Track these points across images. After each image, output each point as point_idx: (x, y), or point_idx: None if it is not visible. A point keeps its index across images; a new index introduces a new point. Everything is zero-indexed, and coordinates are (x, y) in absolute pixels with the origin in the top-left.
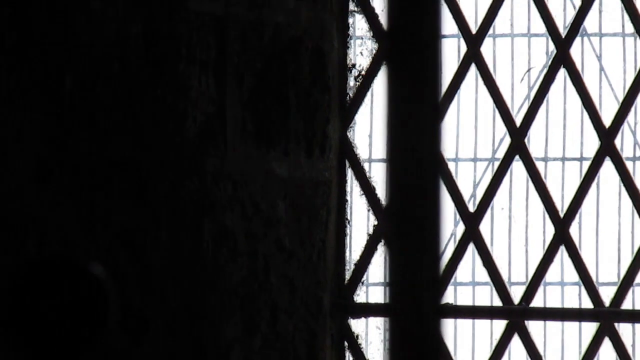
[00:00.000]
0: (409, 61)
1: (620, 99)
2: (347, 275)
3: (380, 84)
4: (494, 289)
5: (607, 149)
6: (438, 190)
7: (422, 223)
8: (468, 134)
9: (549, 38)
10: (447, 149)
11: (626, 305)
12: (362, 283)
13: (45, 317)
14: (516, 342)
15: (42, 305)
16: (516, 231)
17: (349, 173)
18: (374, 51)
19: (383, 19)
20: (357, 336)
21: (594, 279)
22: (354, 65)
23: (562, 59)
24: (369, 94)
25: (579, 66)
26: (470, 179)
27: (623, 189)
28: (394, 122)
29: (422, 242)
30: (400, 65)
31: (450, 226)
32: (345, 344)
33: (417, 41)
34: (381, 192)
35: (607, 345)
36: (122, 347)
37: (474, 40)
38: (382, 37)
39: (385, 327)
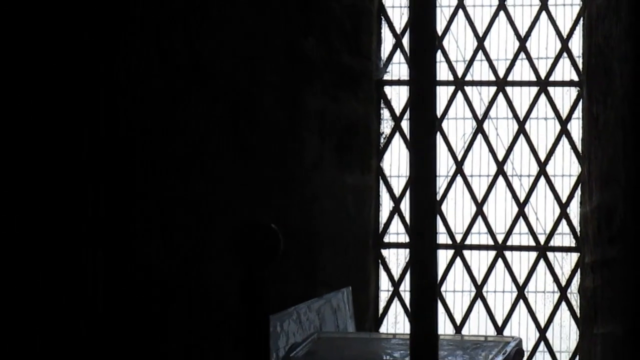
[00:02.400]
0: (418, 133)
1: (506, 147)
2: (380, 229)
3: (395, 142)
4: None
5: (500, 171)
6: (434, 198)
7: (425, 210)
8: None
9: (473, 120)
10: None
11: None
12: (387, 232)
13: (251, 251)
14: (459, 264)
15: (249, 245)
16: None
17: (380, 182)
18: (392, 126)
19: (397, 110)
20: (385, 258)
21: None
22: (382, 133)
23: (479, 130)
24: (390, 147)
25: (488, 134)
26: None
27: (508, 192)
28: (412, 160)
29: (425, 216)
30: (415, 134)
31: None
32: (379, 261)
33: (423, 121)
34: (397, 191)
35: (500, 265)
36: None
37: (437, 121)
38: (396, 119)
39: (399, 254)
